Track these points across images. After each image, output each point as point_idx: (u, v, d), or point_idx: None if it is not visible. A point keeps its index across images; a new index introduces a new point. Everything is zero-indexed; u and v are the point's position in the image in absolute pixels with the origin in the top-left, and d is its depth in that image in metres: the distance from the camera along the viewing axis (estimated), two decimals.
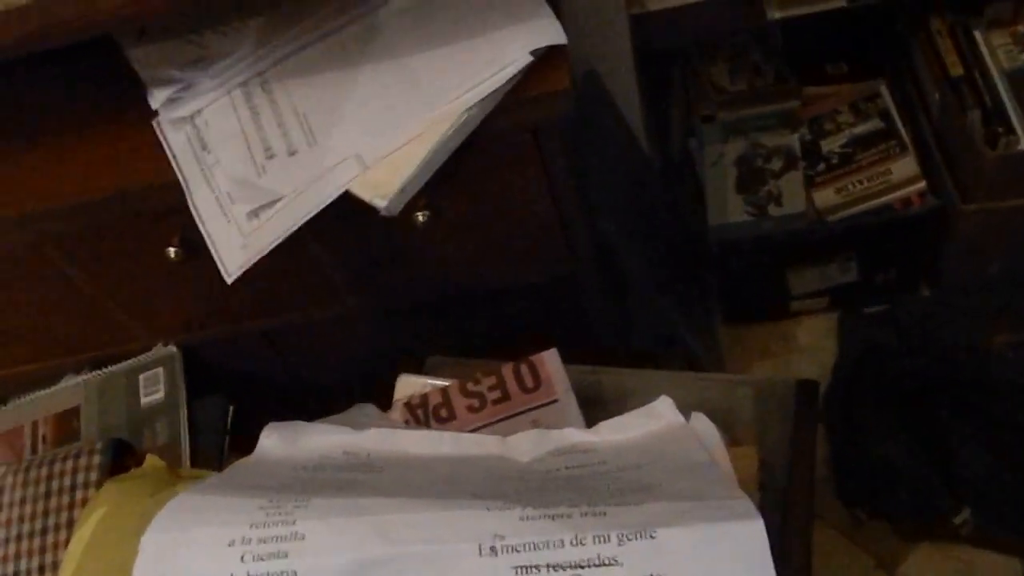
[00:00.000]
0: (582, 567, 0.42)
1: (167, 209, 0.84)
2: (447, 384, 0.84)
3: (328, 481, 0.56)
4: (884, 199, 1.27)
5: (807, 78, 1.36)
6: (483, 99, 0.71)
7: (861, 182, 1.29)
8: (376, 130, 0.72)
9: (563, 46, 0.72)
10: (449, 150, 0.73)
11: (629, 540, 0.42)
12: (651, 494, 0.48)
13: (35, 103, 0.89)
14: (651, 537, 0.42)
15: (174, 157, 0.79)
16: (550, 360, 0.82)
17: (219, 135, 0.78)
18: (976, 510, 1.22)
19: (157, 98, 0.80)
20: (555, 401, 0.81)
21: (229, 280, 0.74)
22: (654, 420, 0.64)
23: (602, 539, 0.43)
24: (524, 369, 0.82)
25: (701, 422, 0.61)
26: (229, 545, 0.45)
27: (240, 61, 0.79)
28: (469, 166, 0.78)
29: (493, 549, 0.43)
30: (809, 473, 0.83)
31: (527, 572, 0.42)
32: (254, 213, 0.74)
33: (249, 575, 0.44)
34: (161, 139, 0.81)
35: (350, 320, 1.01)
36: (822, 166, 1.31)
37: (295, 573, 0.44)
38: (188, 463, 0.94)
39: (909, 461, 1.26)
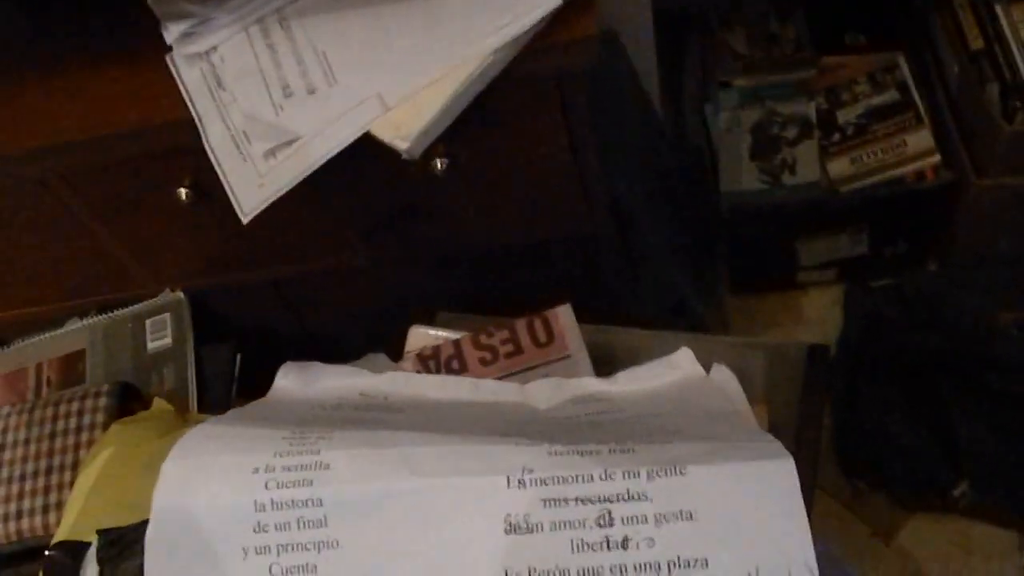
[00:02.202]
0: (611, 501, 0.42)
1: (179, 148, 0.82)
2: (459, 336, 0.83)
3: (348, 418, 0.55)
4: (898, 171, 1.26)
5: (825, 47, 1.34)
6: (509, 42, 0.69)
7: (875, 153, 1.28)
8: (398, 70, 0.71)
9: None
10: (473, 93, 0.71)
11: (659, 476, 0.42)
12: (679, 435, 0.47)
13: (46, 37, 0.87)
14: (681, 473, 0.42)
15: (188, 94, 0.78)
16: (564, 315, 0.82)
17: (235, 72, 0.76)
18: (974, 483, 1.22)
19: (172, 32, 0.78)
20: (567, 357, 0.81)
21: (245, 220, 0.73)
22: (673, 371, 0.63)
23: (631, 475, 0.42)
24: (537, 324, 0.82)
25: (722, 373, 0.61)
26: (253, 472, 0.44)
27: None
28: (490, 113, 0.76)
29: (521, 482, 0.42)
30: (815, 438, 0.82)
31: (556, 504, 0.42)
32: (271, 152, 0.72)
33: (273, 501, 0.43)
34: (175, 75, 0.79)
35: (361, 272, 1.00)
36: (837, 136, 1.30)
37: (320, 501, 0.43)
38: (195, 409, 0.93)
39: (909, 433, 1.27)
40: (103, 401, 0.88)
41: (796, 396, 0.92)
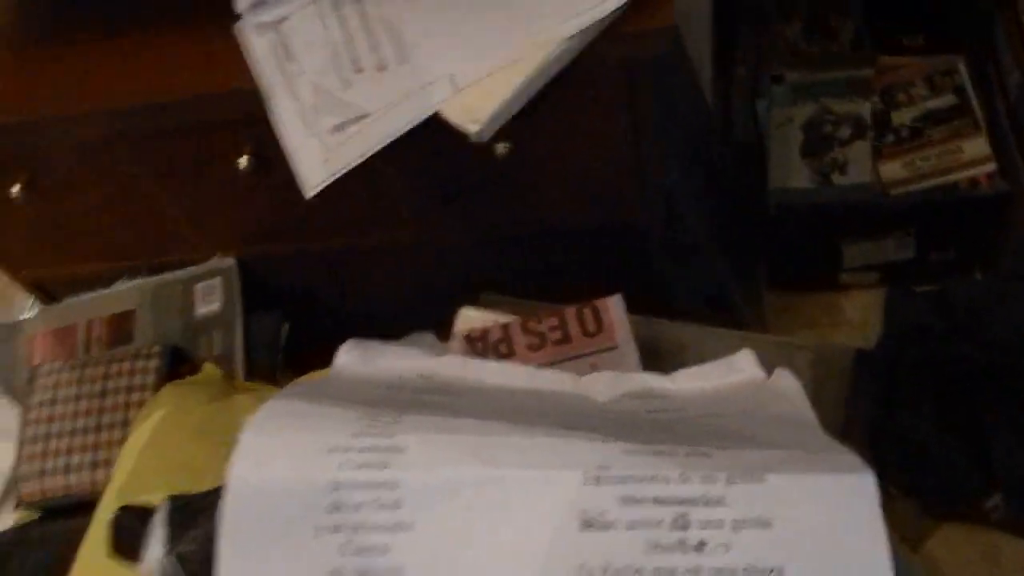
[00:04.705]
0: (688, 504, 0.42)
1: (242, 118, 0.82)
2: (509, 320, 0.84)
3: (412, 401, 0.55)
4: (951, 177, 1.24)
5: (883, 47, 1.33)
6: (585, 29, 0.69)
7: (929, 158, 1.26)
8: (471, 52, 0.71)
9: None
10: (544, 79, 0.71)
11: (737, 482, 0.42)
12: (751, 441, 0.47)
13: (121, 3, 0.88)
14: (760, 481, 0.42)
15: (256, 64, 0.78)
16: (614, 306, 0.82)
17: (305, 44, 0.76)
18: (1008, 497, 1.21)
19: (242, 1, 0.78)
20: (614, 348, 0.81)
21: (308, 195, 0.73)
22: (734, 373, 0.63)
23: (709, 479, 0.42)
24: (587, 313, 0.82)
25: (786, 379, 0.60)
26: (329, 452, 0.45)
27: None
28: (555, 97, 0.76)
29: (597, 479, 0.43)
30: (860, 445, 0.82)
31: (632, 503, 0.42)
32: (339, 127, 0.73)
33: (349, 481, 0.44)
34: (243, 44, 0.79)
35: (409, 249, 1.00)
36: (891, 138, 1.29)
37: (395, 484, 0.44)
38: (242, 376, 0.94)
39: (943, 442, 1.26)
40: (153, 363, 0.90)
41: (840, 400, 0.92)
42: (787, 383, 0.59)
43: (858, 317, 1.40)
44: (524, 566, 0.42)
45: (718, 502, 0.42)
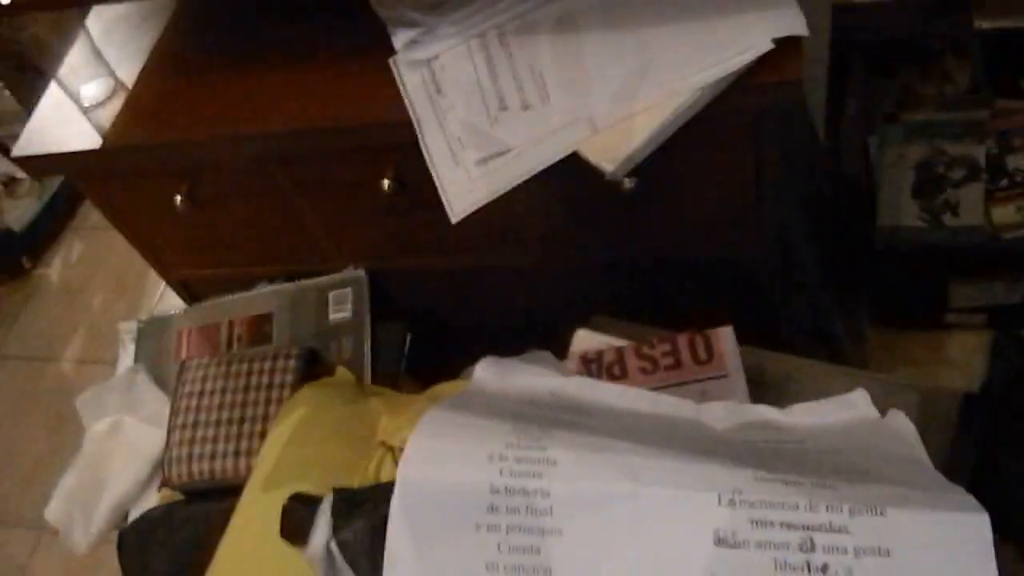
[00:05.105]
0: (814, 530, 0.46)
1: (391, 145, 0.90)
2: (623, 344, 0.88)
3: (549, 418, 0.61)
4: None
5: (1001, 90, 1.32)
6: (719, 79, 0.73)
7: None
8: (609, 96, 0.76)
9: (798, 36, 0.74)
10: (677, 125, 0.76)
11: (860, 514, 0.46)
12: (869, 476, 0.51)
13: (283, 35, 0.97)
14: (882, 514, 0.46)
15: (409, 97, 0.85)
16: (725, 336, 0.86)
17: (454, 81, 0.83)
18: None
19: (400, 39, 0.86)
20: (724, 376, 0.84)
21: (454, 220, 0.79)
22: (848, 410, 0.66)
23: (834, 509, 0.46)
24: (699, 341, 0.86)
25: (899, 420, 0.64)
26: (489, 459, 0.51)
27: (478, 12, 0.83)
28: (685, 140, 0.80)
29: (732, 502, 0.47)
30: (964, 487, 0.84)
31: (762, 526, 0.46)
32: (483, 160, 0.79)
33: (507, 487, 0.49)
34: (397, 78, 0.86)
35: (530, 271, 1.06)
36: (1005, 182, 1.28)
37: (548, 493, 0.49)
38: (369, 380, 1.01)
39: None
40: (292, 363, 0.97)
41: (945, 443, 0.93)
42: (901, 423, 0.63)
43: (961, 358, 1.40)
44: (659, 574, 0.47)
45: (842, 530, 0.46)
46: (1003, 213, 1.27)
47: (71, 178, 1.13)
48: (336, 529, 0.58)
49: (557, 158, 0.76)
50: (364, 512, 0.58)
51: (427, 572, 0.50)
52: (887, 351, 1.42)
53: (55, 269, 2.00)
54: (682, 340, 0.86)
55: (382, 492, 0.57)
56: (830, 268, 1.30)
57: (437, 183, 0.81)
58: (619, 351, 0.87)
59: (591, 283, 1.08)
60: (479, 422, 0.55)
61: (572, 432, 0.54)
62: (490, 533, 0.50)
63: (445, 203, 0.80)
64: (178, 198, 1.00)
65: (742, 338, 0.85)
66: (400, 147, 0.87)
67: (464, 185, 0.79)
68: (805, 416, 0.66)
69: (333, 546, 0.57)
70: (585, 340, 0.92)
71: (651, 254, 1.00)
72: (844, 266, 1.37)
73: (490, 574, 0.48)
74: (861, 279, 1.40)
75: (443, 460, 0.52)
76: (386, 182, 0.92)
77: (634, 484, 0.49)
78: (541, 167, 0.76)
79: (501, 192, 0.77)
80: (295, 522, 0.60)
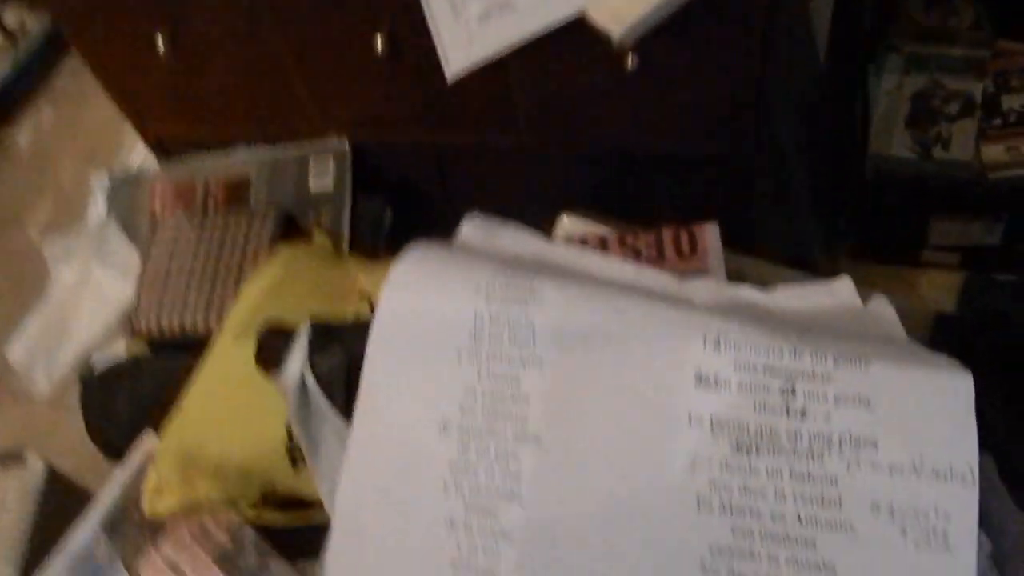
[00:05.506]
0: (796, 376, 0.46)
1: None
2: (607, 232, 0.87)
3: (537, 270, 0.59)
4: None
5: (1002, 30, 1.31)
6: None
7: None
8: None
9: None
10: None
11: (844, 364, 0.46)
12: (855, 340, 0.51)
13: None
14: (866, 365, 0.46)
15: None
16: (710, 232, 0.85)
17: None
18: None
19: None
20: (706, 271, 0.84)
21: (450, 79, 0.77)
22: (831, 296, 0.66)
23: (819, 357, 0.46)
24: (683, 235, 0.85)
25: (881, 305, 0.63)
26: (475, 287, 0.50)
27: None
28: (692, 18, 0.78)
29: (717, 343, 0.47)
30: None
31: (744, 369, 0.46)
32: (486, 15, 0.76)
33: (491, 315, 0.49)
34: None
35: (517, 154, 1.04)
36: (998, 121, 1.28)
37: (532, 323, 0.48)
38: (347, 252, 0.99)
39: (1012, 429, 1.27)
40: (269, 224, 0.95)
41: None
42: (884, 309, 0.62)
43: (933, 296, 1.41)
44: (637, 410, 0.47)
45: (824, 378, 0.46)
46: (993, 152, 1.27)
47: (57, 17, 1.08)
48: (312, 358, 0.57)
49: (564, 19, 0.73)
50: (339, 346, 0.57)
51: (405, 399, 0.50)
52: (860, 283, 1.42)
53: (25, 134, 1.94)
54: (667, 232, 0.85)
55: (361, 327, 0.56)
56: (816, 191, 1.30)
57: (435, 37, 0.78)
58: (602, 239, 0.86)
59: (578, 174, 1.06)
60: (467, 257, 0.53)
61: (558, 275, 0.53)
62: (471, 361, 0.49)
63: (442, 58, 0.78)
64: (159, 39, 0.96)
65: (724, 243, 0.85)
66: (396, 5, 0.83)
67: (463, 41, 0.76)
68: (788, 299, 0.66)
69: (308, 375, 0.57)
70: (568, 226, 0.91)
71: (643, 147, 0.99)
72: (830, 191, 1.37)
73: (467, 398, 0.48)
74: (845, 206, 1.40)
75: (427, 287, 0.51)
76: (379, 38, 0.88)
77: (619, 322, 0.48)
78: (547, 27, 0.74)
79: (502, 51, 0.75)
80: (270, 350, 0.59)
